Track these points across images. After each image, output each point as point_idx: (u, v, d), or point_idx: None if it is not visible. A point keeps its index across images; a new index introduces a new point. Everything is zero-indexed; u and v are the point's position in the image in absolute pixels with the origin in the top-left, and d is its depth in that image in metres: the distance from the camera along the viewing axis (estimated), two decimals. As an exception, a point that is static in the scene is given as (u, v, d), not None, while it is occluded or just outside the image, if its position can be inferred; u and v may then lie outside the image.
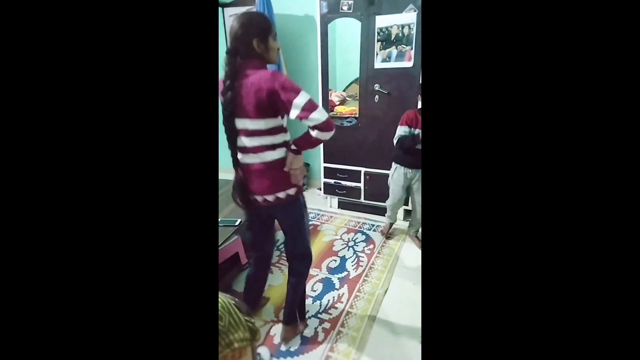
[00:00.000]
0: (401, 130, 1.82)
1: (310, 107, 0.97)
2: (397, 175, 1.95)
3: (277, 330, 1.43)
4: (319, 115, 0.98)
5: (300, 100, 0.96)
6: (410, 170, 1.90)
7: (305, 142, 1.08)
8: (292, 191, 1.13)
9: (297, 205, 1.18)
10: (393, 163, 1.97)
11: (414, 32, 1.96)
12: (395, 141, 1.84)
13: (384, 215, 2.20)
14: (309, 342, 1.38)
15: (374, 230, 2.28)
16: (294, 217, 1.19)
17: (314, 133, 1.03)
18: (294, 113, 0.98)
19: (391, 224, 2.19)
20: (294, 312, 1.35)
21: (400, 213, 2.37)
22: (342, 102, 2.61)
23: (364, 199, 2.49)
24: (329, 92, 2.47)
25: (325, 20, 2.22)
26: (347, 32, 2.33)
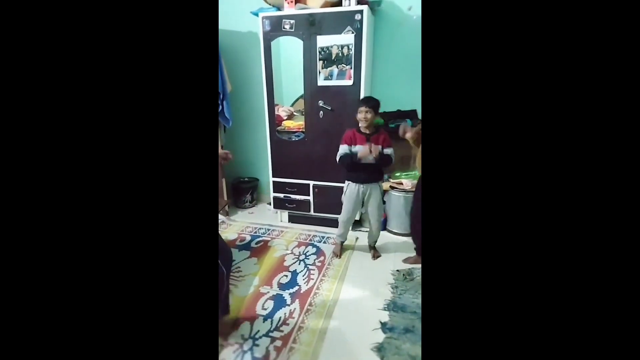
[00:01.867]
0: (341, 150, 1.93)
1: None
2: (349, 192, 2.00)
3: (226, 354, 1.37)
4: None
5: None
6: (362, 186, 1.97)
7: None
8: None
9: None
10: (346, 180, 2.03)
11: (352, 52, 2.09)
12: (337, 158, 1.95)
13: (334, 227, 2.24)
14: (260, 363, 1.34)
15: (325, 242, 2.32)
16: None
17: None
18: None
19: (342, 243, 2.20)
20: (226, 303, 1.43)
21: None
22: (290, 116, 2.65)
23: (314, 212, 2.52)
24: (276, 107, 2.49)
25: (269, 38, 2.26)
26: (291, 50, 2.39)
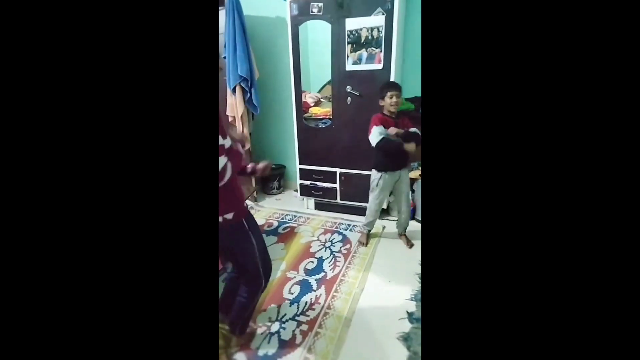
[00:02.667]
0: (380, 130, 1.78)
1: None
2: (383, 182, 1.93)
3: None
4: None
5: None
6: (394, 173, 1.93)
7: None
8: (229, 216, 1.07)
9: (237, 231, 1.11)
10: (375, 171, 1.95)
11: (382, 34, 2.01)
12: (376, 142, 1.79)
13: (361, 215, 2.22)
14: (286, 345, 1.38)
15: (351, 230, 2.31)
16: (234, 245, 1.14)
17: None
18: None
19: (369, 232, 2.17)
20: (245, 324, 1.34)
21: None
22: (317, 103, 2.63)
23: (340, 200, 2.51)
24: (303, 94, 2.47)
25: (296, 23, 2.22)
26: (319, 34, 2.35)
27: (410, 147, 1.79)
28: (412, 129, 1.86)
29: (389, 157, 1.87)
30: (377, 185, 1.97)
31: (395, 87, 1.82)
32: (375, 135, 1.81)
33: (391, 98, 1.79)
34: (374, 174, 1.97)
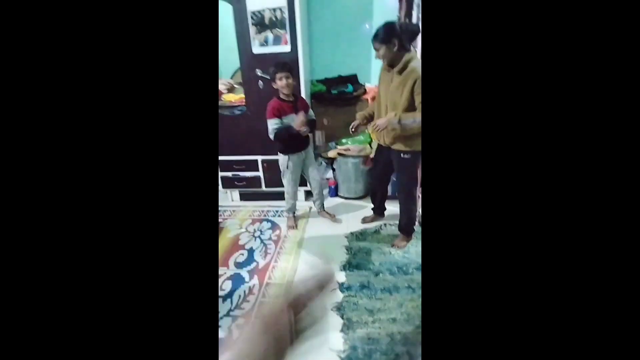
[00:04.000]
0: (272, 124, 1.79)
1: None
2: (292, 164, 1.96)
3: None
4: None
5: None
6: (301, 153, 1.96)
7: None
8: None
9: None
10: (282, 155, 1.96)
11: (286, 15, 1.98)
12: (272, 136, 1.82)
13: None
14: (223, 343, 1.33)
15: (279, 216, 2.31)
16: None
17: None
18: None
19: (294, 214, 2.19)
20: None
21: (300, 196, 2.47)
22: (230, 90, 2.50)
23: (265, 187, 2.48)
24: (211, 81, 2.32)
25: (192, 2, 2.04)
26: (220, 16, 2.19)
27: (300, 124, 1.78)
28: (311, 113, 1.95)
29: (289, 141, 1.88)
30: (287, 167, 1.98)
31: (284, 67, 1.74)
32: (270, 130, 1.81)
33: (281, 80, 1.74)
34: (281, 158, 1.98)
